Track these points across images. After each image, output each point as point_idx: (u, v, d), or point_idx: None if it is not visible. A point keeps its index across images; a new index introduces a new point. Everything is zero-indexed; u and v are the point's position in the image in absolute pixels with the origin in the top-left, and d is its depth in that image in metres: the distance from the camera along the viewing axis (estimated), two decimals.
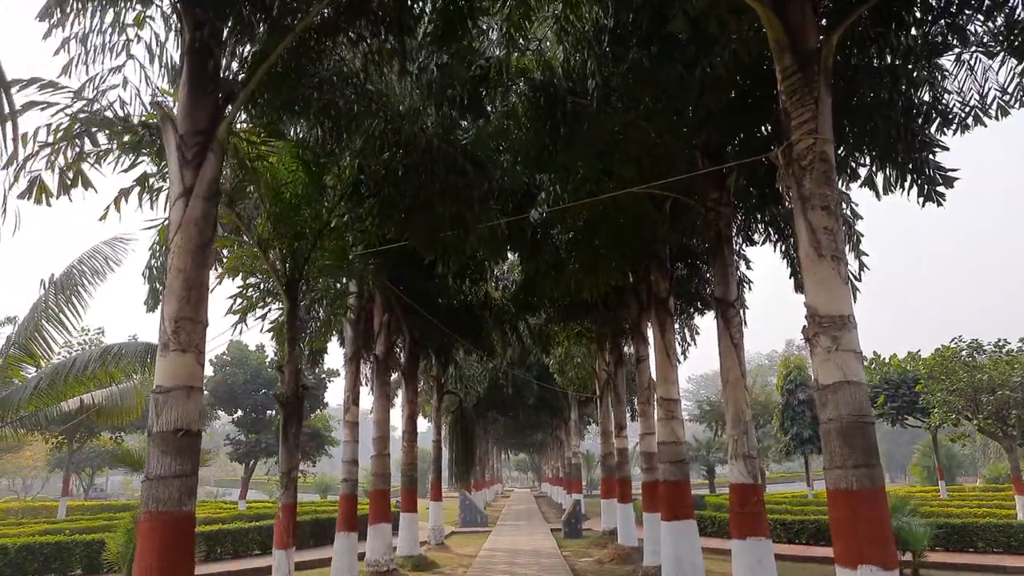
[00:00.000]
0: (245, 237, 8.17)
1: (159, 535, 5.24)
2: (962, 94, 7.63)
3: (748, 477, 7.55)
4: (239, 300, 9.40)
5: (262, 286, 9.44)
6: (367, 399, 15.90)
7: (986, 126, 7.81)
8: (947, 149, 7.58)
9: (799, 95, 5.58)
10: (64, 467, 24.96)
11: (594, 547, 18.59)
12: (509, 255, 18.62)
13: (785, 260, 12.72)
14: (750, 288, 14.79)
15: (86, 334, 18.00)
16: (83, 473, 35.19)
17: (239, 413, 28.85)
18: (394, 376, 21.48)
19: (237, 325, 9.20)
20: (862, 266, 11.24)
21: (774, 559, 7.41)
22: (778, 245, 12.69)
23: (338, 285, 10.96)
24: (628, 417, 19.63)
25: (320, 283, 9.97)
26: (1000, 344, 17.79)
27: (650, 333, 15.30)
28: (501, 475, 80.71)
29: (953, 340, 18.72)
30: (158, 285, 12.11)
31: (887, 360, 23.55)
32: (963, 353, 18.20)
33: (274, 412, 27.92)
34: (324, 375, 29.27)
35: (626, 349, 21.49)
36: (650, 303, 11.92)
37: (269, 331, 10.18)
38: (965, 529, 14.71)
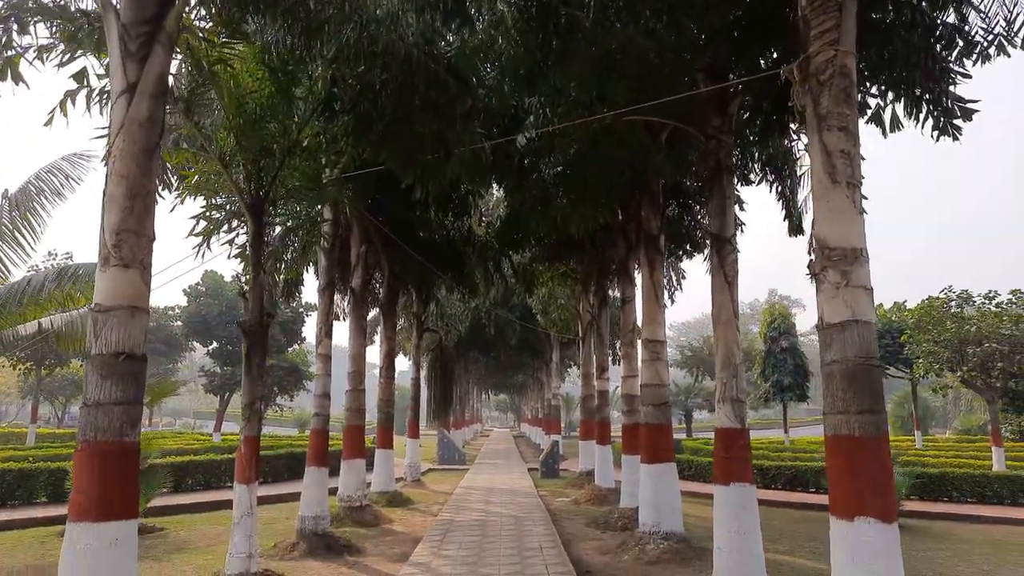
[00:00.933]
0: (206, 150, 7.50)
1: (98, 467, 4.78)
2: (987, 19, 7.02)
3: (735, 421, 7.22)
4: (202, 222, 8.77)
5: (228, 207, 8.80)
6: (344, 334, 15.44)
7: (1009, 56, 7.23)
8: (969, 77, 7.00)
9: (821, 0, 4.97)
10: (33, 394, 24.48)
11: (571, 487, 18.59)
12: (494, 189, 18.05)
13: (780, 202, 12.26)
14: (742, 231, 14.38)
15: (53, 258, 17.24)
16: (56, 401, 34.76)
17: (214, 345, 28.41)
18: (373, 313, 21.06)
19: (200, 248, 8.59)
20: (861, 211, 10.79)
21: (757, 505, 7.15)
22: (774, 186, 12.22)
23: (311, 211, 10.31)
24: (610, 360, 19.41)
25: (291, 207, 9.34)
26: (990, 295, 17.59)
27: (638, 274, 14.91)
28: (481, 415, 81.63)
29: (943, 291, 18.50)
30: None
31: None
32: (952, 304, 17.99)
33: None
34: (302, 309, 28.78)
35: (611, 293, 21.16)
36: (639, 241, 11.43)
37: (236, 256, 9.58)
38: (942, 479, 14.74)
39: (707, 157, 8.06)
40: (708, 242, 13.74)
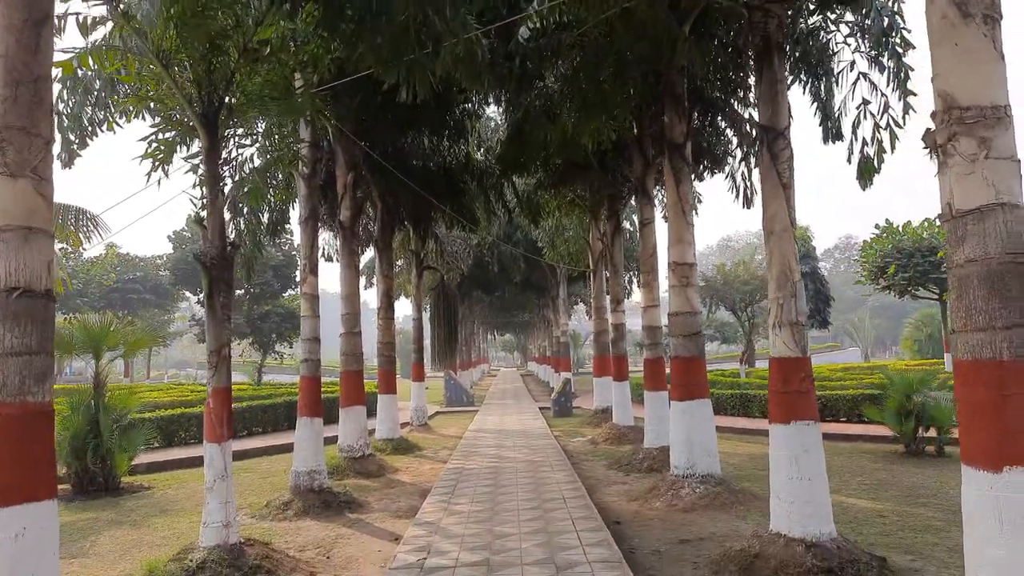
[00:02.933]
0: (139, 44, 6.11)
1: None
2: None
3: (795, 349, 6.05)
4: (153, 143, 7.42)
5: (187, 121, 7.43)
6: (334, 277, 14.23)
7: None
8: None
9: None
10: None
11: (586, 426, 17.72)
12: (493, 111, 16.53)
13: (814, 104, 10.90)
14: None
15: None
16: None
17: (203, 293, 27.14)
18: (369, 256, 19.78)
19: (150, 175, 7.25)
20: (907, 108, 9.41)
21: (823, 446, 6.05)
22: (807, 86, 10.84)
23: (284, 127, 8.93)
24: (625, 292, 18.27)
25: (254, 121, 7.97)
26: None
27: (656, 198, 13.57)
28: (488, 355, 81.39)
29: None
30: (70, 136, 10.12)
31: (900, 228, 22.06)
32: None
33: (242, 292, 26.38)
34: (295, 252, 27.52)
35: (625, 224, 19.85)
36: (662, 152, 10.08)
37: (198, 185, 8.26)
38: None
39: (753, 32, 6.64)
40: (756, 137, 12.44)
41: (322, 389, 10.32)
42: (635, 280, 27.83)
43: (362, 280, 26.78)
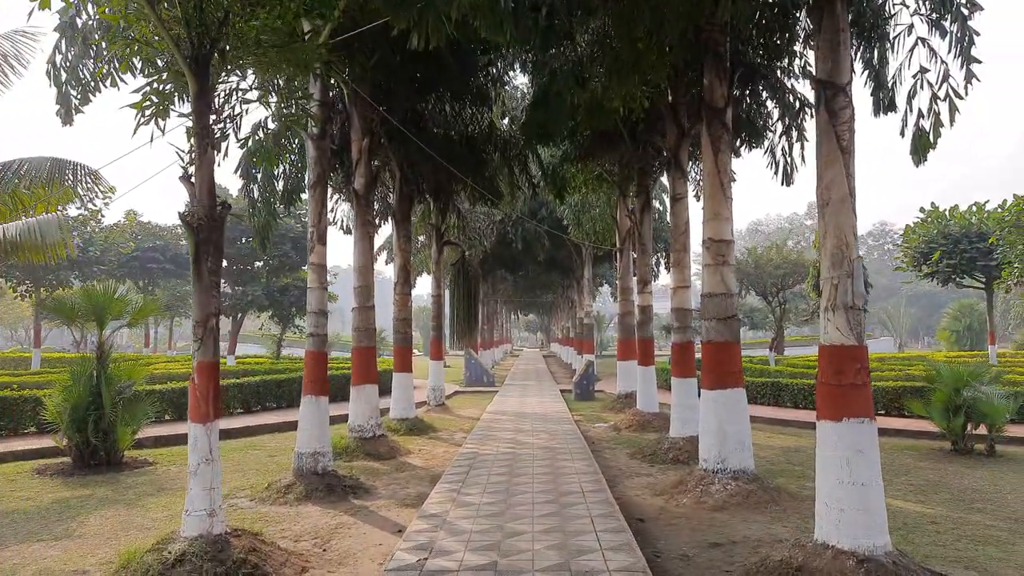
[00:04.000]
0: None
1: None
2: None
3: (850, 336, 5.30)
4: (146, 93, 6.82)
5: (174, 68, 6.80)
6: (346, 250, 13.62)
7: None
8: None
9: None
10: (35, 316, 23.41)
11: (608, 411, 17.09)
12: (517, 75, 15.74)
13: (866, 73, 10.02)
14: (808, 114, 12.11)
15: None
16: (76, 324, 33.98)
17: (224, 264, 26.92)
18: (387, 232, 19.17)
19: (144, 127, 6.66)
20: (970, 78, 8.48)
21: (878, 446, 5.32)
22: (859, 52, 9.96)
23: (292, 82, 8.26)
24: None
25: (256, 70, 7.31)
26: None
27: (690, 173, 12.73)
28: (511, 335, 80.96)
29: None
30: (70, 89, 9.59)
31: (947, 212, 20.84)
32: None
33: (261, 264, 25.93)
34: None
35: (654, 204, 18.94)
36: (699, 118, 9.28)
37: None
38: None
39: None
40: (799, 108, 11.60)
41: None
42: (661, 262, 26.99)
43: (382, 256, 26.35)
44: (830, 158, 5.46)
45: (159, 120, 6.78)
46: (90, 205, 25.36)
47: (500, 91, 14.78)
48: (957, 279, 20.63)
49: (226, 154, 7.33)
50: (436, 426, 14.37)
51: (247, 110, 7.40)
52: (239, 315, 26.51)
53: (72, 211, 25.61)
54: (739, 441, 8.09)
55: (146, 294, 29.15)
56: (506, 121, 16.55)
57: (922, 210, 21.78)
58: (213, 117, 6.48)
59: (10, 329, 48.33)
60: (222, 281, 26.67)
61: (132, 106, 6.56)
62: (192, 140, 5.91)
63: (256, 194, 13.10)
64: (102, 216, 26.98)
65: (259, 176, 13.17)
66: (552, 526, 6.31)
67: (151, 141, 7.07)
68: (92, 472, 9.72)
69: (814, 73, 5.74)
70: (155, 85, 6.63)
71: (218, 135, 6.76)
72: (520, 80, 16.03)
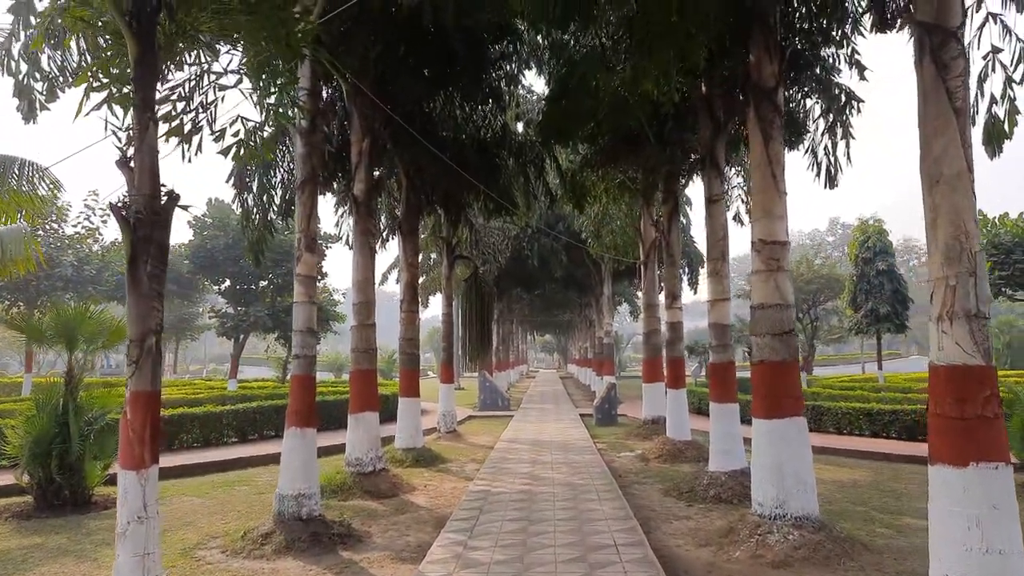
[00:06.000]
0: None
1: None
2: None
3: (975, 353, 4.01)
4: (94, 71, 5.72)
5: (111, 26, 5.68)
6: (344, 263, 12.43)
7: None
8: None
9: None
10: (27, 339, 22.46)
11: (633, 438, 15.70)
12: (533, 75, 14.58)
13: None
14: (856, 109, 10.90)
15: None
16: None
17: (226, 283, 25.94)
18: (393, 242, 18.07)
19: (79, 113, 5.55)
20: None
21: (1015, 493, 4.01)
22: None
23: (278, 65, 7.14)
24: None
25: (235, 48, 6.19)
26: None
27: (723, 165, 11.50)
28: (527, 356, 79.44)
29: None
30: (32, 82, 8.57)
31: (996, 220, 19.37)
32: None
33: (266, 283, 24.92)
34: (321, 241, 26.08)
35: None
36: (740, 105, 8.08)
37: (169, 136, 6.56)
38: None
39: None
40: (846, 100, 10.39)
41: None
42: (684, 277, 25.66)
43: (392, 275, 25.24)
44: (940, 122, 4.22)
45: (113, 106, 5.65)
46: (87, 223, 24.61)
47: (515, 91, 13.68)
48: (1010, 292, 19.12)
49: (199, 149, 6.17)
50: (445, 456, 13.08)
51: (223, 97, 6.29)
52: (241, 337, 25.49)
53: (68, 229, 24.91)
54: (801, 480, 6.76)
55: None
56: (520, 126, 15.44)
57: None
58: (167, 93, 5.40)
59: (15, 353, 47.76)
60: (223, 301, 25.42)
61: (74, 84, 5.48)
62: (131, 114, 4.78)
63: (250, 203, 12.06)
64: (100, 235, 26.28)
65: (254, 186, 12.14)
66: None
67: (106, 128, 5.93)
68: (54, 514, 8.58)
69: (913, 14, 4.51)
70: (100, 56, 5.55)
71: (189, 126, 5.71)
72: (538, 87, 15.05)
